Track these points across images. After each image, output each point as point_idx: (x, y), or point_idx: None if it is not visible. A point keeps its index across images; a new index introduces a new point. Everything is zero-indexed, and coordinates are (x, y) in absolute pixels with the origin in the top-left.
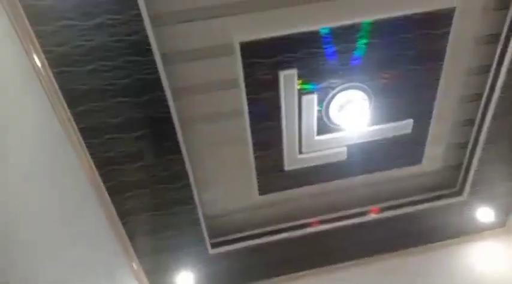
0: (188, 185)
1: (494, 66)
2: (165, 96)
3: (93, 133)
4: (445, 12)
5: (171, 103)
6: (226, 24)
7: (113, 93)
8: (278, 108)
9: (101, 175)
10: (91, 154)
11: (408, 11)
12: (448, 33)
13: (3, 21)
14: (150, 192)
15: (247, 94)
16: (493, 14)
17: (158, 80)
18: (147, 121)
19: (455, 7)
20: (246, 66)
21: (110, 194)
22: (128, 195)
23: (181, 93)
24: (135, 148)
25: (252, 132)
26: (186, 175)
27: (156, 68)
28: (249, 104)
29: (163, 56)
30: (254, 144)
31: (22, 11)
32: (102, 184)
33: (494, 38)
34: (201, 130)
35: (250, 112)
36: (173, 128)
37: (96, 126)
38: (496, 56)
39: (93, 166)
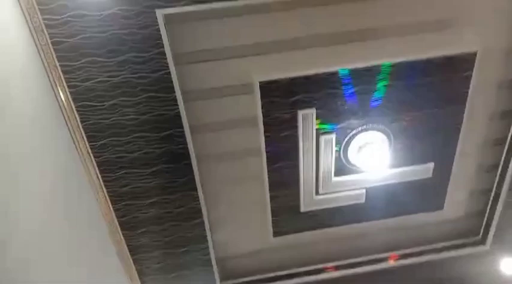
0: (202, 223)
1: None
2: (183, 132)
3: (110, 167)
4: (466, 57)
5: (189, 139)
6: (246, 64)
7: (133, 128)
8: (296, 147)
9: (115, 209)
10: (107, 188)
11: (428, 55)
12: (470, 76)
13: (34, 56)
14: (163, 229)
15: (265, 132)
16: None
17: (178, 117)
18: (164, 157)
19: (476, 51)
20: (265, 105)
21: (122, 229)
22: (141, 231)
23: (200, 130)
24: (150, 183)
25: (269, 171)
26: (200, 213)
27: (176, 104)
28: (266, 143)
29: (184, 93)
30: (270, 184)
31: (51, 47)
32: (115, 218)
33: None
34: (218, 167)
35: (267, 151)
36: (190, 165)
37: (113, 159)
38: None
39: (108, 200)
